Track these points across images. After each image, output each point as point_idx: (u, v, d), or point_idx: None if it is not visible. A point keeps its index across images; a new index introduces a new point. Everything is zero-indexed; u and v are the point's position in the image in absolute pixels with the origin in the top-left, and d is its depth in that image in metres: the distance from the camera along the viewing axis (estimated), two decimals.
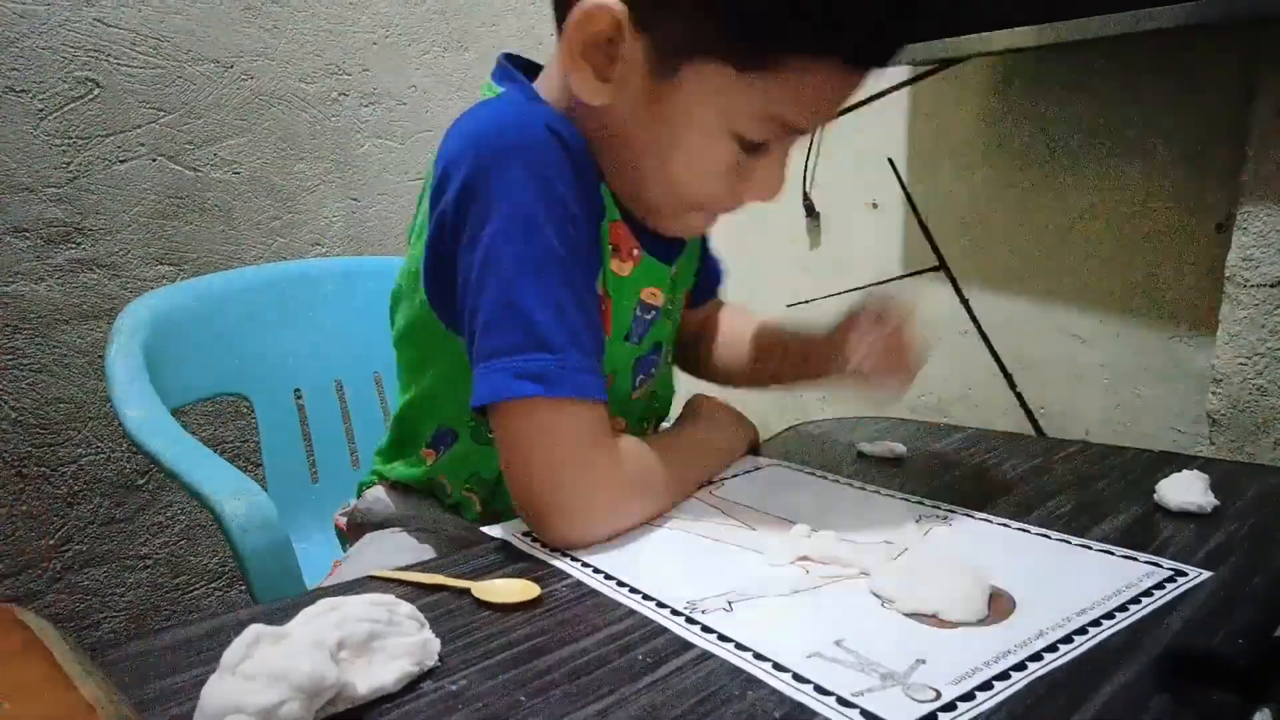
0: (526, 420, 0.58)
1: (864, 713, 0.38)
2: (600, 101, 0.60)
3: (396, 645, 0.40)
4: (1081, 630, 0.44)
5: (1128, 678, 0.40)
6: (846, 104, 0.62)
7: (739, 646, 0.44)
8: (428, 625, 0.43)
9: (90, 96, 1.22)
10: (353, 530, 0.83)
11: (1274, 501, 0.63)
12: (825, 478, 0.72)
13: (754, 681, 0.41)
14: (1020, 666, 0.41)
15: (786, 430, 0.93)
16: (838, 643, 0.44)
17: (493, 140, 0.59)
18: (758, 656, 0.43)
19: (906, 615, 0.47)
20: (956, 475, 0.72)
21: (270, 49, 1.37)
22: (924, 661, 0.42)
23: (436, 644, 0.42)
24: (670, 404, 0.85)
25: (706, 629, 0.46)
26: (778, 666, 0.42)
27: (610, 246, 0.66)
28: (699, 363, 0.92)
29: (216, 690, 0.36)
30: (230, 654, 0.37)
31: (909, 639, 0.44)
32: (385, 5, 1.49)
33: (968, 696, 0.39)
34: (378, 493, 0.81)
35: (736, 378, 0.89)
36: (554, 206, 0.58)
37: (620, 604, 0.49)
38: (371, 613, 0.40)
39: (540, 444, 0.58)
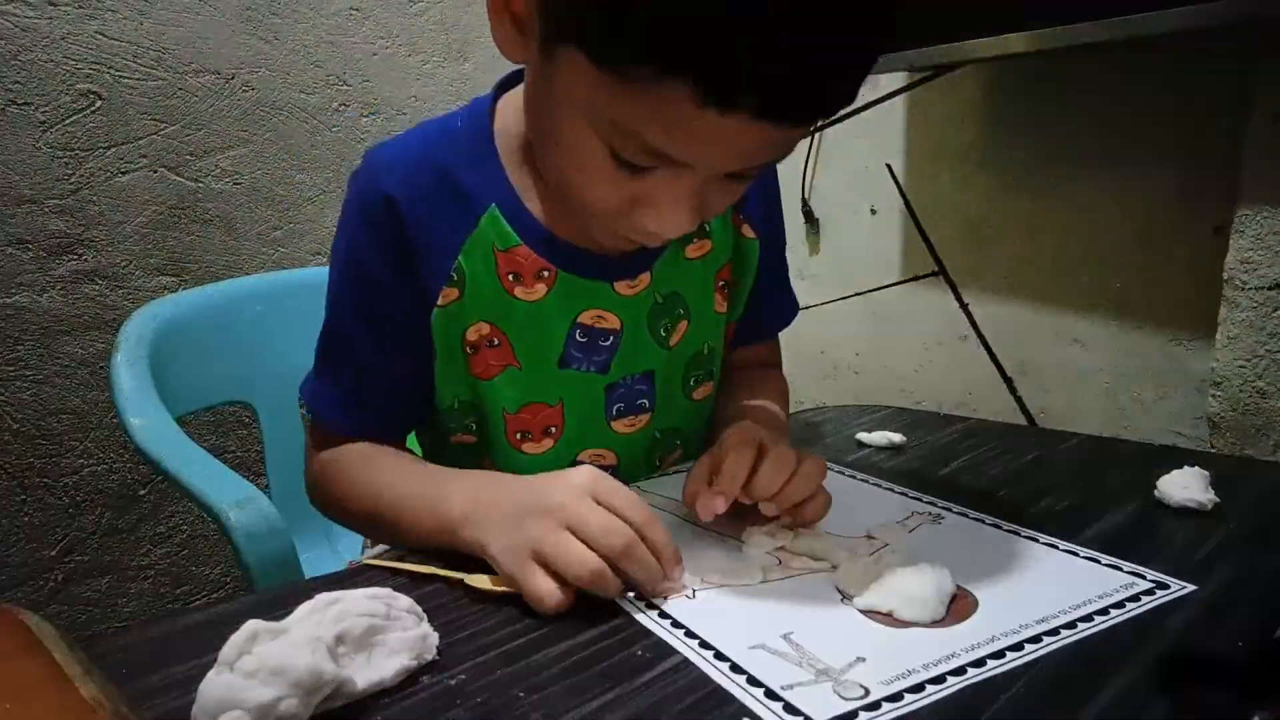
0: None
1: (788, 706, 0.38)
2: (519, 58, 0.56)
3: (396, 640, 0.40)
4: (1035, 639, 0.43)
5: (1078, 689, 0.39)
6: (746, 159, 0.50)
7: (688, 634, 0.44)
8: (426, 619, 0.43)
9: (92, 109, 1.23)
10: None
11: (1274, 499, 0.62)
12: (829, 468, 0.72)
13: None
14: (959, 671, 0.40)
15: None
16: (785, 636, 0.44)
17: (349, 187, 0.66)
18: (703, 645, 0.43)
19: (863, 612, 0.46)
20: (955, 468, 0.72)
21: (270, 60, 1.38)
22: (864, 659, 0.41)
23: (435, 638, 0.42)
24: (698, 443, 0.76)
25: (664, 614, 0.46)
26: (719, 656, 0.42)
27: (510, 276, 0.63)
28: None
29: (214, 686, 0.36)
30: (228, 650, 0.37)
31: (856, 636, 0.44)
32: (385, 16, 1.50)
33: (895, 697, 0.38)
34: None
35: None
36: (356, 263, 0.64)
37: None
38: (370, 607, 0.40)
39: None
